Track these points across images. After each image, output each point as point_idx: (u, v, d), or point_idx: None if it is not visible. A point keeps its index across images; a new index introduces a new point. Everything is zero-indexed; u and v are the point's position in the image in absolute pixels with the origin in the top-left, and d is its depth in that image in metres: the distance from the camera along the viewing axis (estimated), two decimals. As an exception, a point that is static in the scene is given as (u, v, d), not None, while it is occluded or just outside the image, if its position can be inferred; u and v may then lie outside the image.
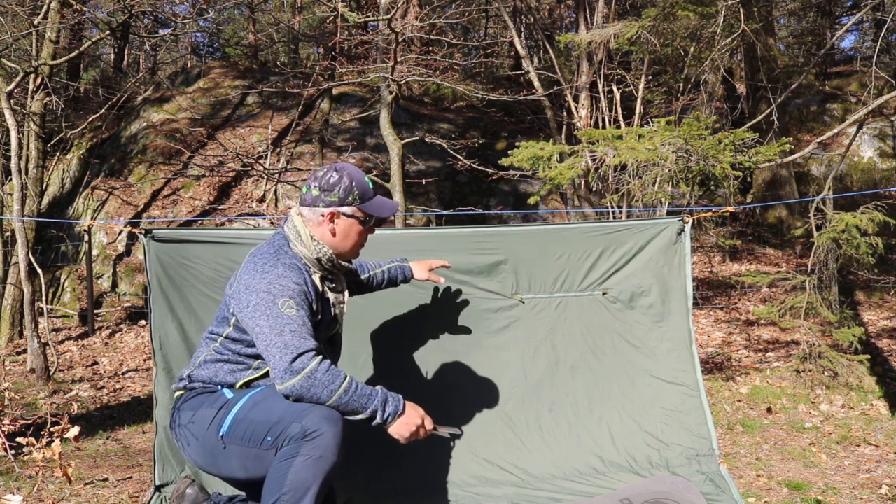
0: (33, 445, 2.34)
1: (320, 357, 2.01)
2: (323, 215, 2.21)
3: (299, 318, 2.03)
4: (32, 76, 7.32)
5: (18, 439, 2.51)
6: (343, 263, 2.29)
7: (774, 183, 9.90)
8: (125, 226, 7.89)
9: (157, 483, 2.76)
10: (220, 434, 2.06)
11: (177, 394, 2.28)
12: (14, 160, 6.15)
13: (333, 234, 2.22)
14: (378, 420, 2.05)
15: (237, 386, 2.18)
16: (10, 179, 7.60)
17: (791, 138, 5.23)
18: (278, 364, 1.98)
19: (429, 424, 2.14)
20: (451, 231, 3.06)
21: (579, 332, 3.02)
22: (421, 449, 2.88)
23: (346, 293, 2.35)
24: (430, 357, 2.97)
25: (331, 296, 2.26)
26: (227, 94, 12.00)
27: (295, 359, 1.97)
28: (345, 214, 2.21)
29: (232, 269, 2.73)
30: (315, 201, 2.21)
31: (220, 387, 2.19)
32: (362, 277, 2.65)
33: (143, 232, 2.77)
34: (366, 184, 2.25)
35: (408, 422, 2.09)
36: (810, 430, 4.23)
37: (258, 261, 2.14)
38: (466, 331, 2.98)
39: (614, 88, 8.03)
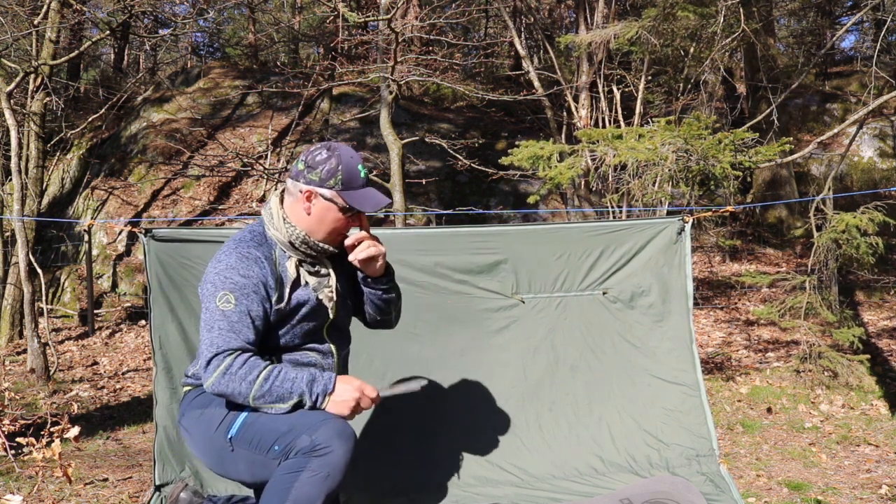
0: (33, 445, 2.34)
1: (238, 353, 1.94)
2: (301, 191, 2.08)
3: (235, 313, 1.96)
4: (32, 76, 7.32)
5: (18, 439, 2.51)
6: (324, 246, 2.12)
7: (774, 183, 9.90)
8: (125, 226, 7.91)
9: (157, 483, 2.76)
10: (229, 436, 2.00)
11: (185, 389, 2.22)
12: (14, 160, 6.15)
13: (308, 214, 2.09)
14: (308, 402, 1.95)
15: None
16: (10, 179, 7.60)
17: (791, 138, 5.23)
18: (202, 361, 1.95)
19: (371, 393, 2.03)
20: (451, 231, 3.06)
21: (579, 331, 3.02)
22: (421, 448, 2.89)
23: (333, 276, 2.17)
24: (429, 357, 2.97)
25: (311, 280, 2.12)
26: (227, 94, 12.00)
27: (213, 357, 1.93)
28: (323, 196, 2.07)
29: (232, 268, 2.73)
30: (298, 176, 2.10)
31: None
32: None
33: (143, 231, 2.77)
34: (356, 171, 2.08)
35: (342, 398, 1.98)
36: (810, 430, 4.23)
37: (222, 248, 2.08)
38: (466, 330, 2.98)
39: (614, 88, 8.03)
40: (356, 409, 2.00)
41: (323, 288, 2.15)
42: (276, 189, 2.18)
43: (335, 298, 2.17)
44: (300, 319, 2.11)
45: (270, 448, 1.93)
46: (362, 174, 2.11)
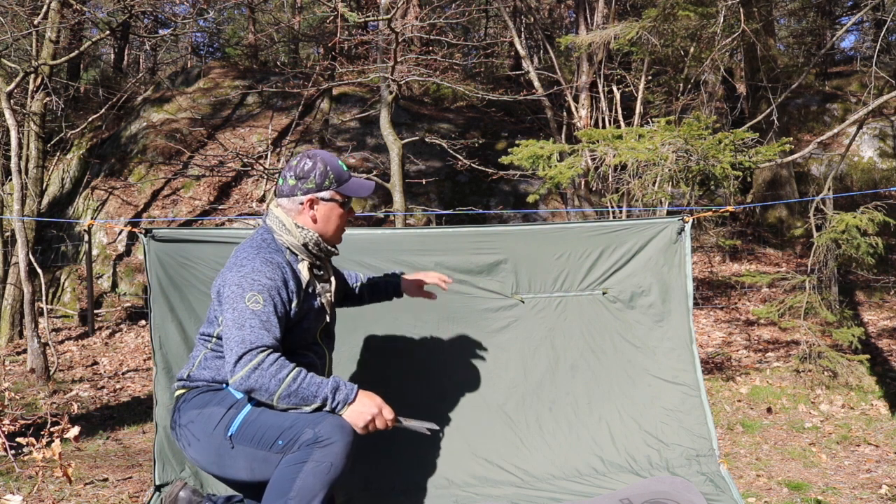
0: (33, 445, 2.34)
1: (270, 350, 2.01)
2: (302, 203, 2.22)
3: (264, 313, 2.03)
4: (32, 76, 7.32)
5: (18, 439, 2.51)
6: (330, 248, 2.29)
7: (774, 183, 9.90)
8: (125, 226, 7.91)
9: (157, 483, 2.76)
10: (229, 434, 2.05)
11: (178, 392, 2.25)
12: (14, 160, 6.15)
13: (315, 221, 2.24)
14: (328, 407, 2.03)
15: None
16: (10, 179, 7.60)
17: (791, 138, 5.23)
18: (231, 357, 1.99)
19: (388, 414, 2.10)
20: (451, 231, 3.06)
21: (579, 331, 3.02)
22: (421, 448, 2.89)
23: (333, 281, 2.36)
24: (430, 356, 2.97)
25: (318, 286, 2.26)
26: (227, 94, 12.00)
27: (246, 352, 1.98)
28: (323, 199, 2.23)
29: (232, 268, 2.73)
30: (293, 191, 2.23)
31: (225, 385, 2.17)
32: (351, 285, 2.64)
33: (143, 232, 2.77)
34: (340, 167, 2.27)
35: (360, 410, 2.05)
36: (810, 430, 4.23)
37: (239, 255, 2.16)
38: (466, 330, 2.98)
39: (614, 88, 8.03)
40: (372, 424, 2.07)
41: (325, 293, 2.29)
42: (274, 196, 2.32)
43: (332, 300, 2.33)
44: (307, 323, 2.21)
45: (274, 443, 1.99)
46: (345, 167, 2.30)
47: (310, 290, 2.22)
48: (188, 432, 2.13)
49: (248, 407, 2.08)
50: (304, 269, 2.21)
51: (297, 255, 2.22)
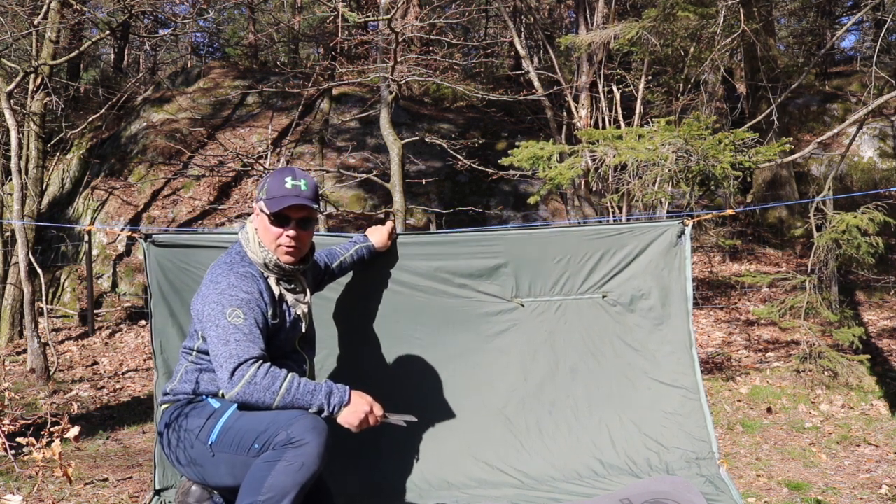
0: (33, 445, 2.33)
1: (260, 362, 2.08)
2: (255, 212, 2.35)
3: (246, 326, 2.10)
4: (32, 76, 7.32)
5: (18, 439, 2.51)
6: (283, 264, 2.28)
7: (774, 183, 9.90)
8: (125, 230, 7.89)
9: (157, 487, 2.76)
10: (210, 443, 2.12)
11: (163, 407, 2.33)
12: (14, 160, 6.15)
13: (256, 228, 2.31)
14: (325, 412, 2.10)
15: (220, 394, 2.21)
16: (10, 179, 7.60)
17: (791, 138, 5.23)
18: (223, 374, 2.07)
19: (378, 411, 2.18)
20: (452, 236, 3.05)
21: (579, 334, 3.02)
22: (421, 451, 2.89)
23: (308, 293, 2.40)
24: (430, 360, 2.97)
25: (289, 297, 2.31)
26: (227, 94, 12.00)
27: (237, 367, 2.05)
28: (260, 209, 2.30)
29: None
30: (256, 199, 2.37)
31: (204, 397, 2.23)
32: (333, 266, 2.69)
33: (144, 237, 2.76)
34: (282, 182, 2.25)
35: (355, 410, 2.13)
36: (810, 430, 4.23)
37: (214, 272, 2.23)
38: (466, 334, 2.97)
39: (614, 88, 8.02)
40: (365, 422, 2.16)
41: (299, 304, 2.34)
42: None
43: (308, 311, 2.39)
44: (284, 333, 2.27)
45: (251, 447, 2.05)
46: (289, 185, 2.25)
47: (283, 302, 2.29)
48: (173, 445, 2.21)
49: (227, 415, 2.13)
50: (273, 285, 2.28)
51: (264, 272, 2.29)
